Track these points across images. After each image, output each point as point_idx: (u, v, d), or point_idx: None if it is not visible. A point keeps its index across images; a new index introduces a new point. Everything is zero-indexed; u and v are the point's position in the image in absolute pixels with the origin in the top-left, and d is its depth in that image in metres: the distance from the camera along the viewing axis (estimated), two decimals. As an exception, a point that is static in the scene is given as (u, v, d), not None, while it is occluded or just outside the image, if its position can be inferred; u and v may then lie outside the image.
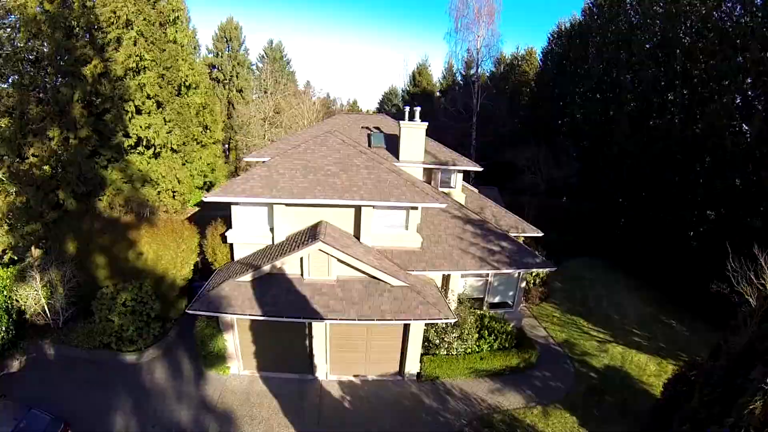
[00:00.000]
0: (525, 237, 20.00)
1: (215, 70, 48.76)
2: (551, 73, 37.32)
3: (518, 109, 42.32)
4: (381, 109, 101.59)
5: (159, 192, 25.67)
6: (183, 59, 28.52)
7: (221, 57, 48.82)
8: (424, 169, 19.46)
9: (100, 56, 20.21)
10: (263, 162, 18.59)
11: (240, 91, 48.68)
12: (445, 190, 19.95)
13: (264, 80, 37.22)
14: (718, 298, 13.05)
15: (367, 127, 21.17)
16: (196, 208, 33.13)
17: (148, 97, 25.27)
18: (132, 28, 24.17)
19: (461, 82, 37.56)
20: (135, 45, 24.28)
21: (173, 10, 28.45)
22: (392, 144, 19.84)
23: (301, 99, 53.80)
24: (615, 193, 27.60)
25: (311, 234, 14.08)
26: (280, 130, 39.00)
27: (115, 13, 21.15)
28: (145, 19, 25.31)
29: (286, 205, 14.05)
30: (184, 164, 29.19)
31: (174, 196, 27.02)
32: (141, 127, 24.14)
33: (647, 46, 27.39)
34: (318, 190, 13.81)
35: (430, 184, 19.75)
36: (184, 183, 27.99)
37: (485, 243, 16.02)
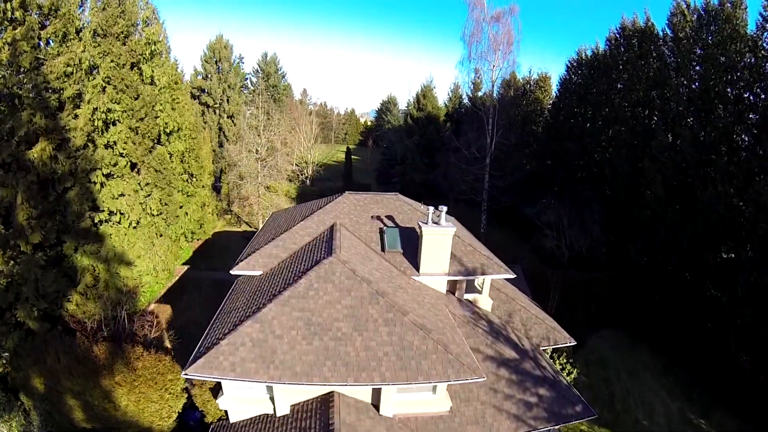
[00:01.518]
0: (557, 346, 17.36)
1: (204, 93, 45.32)
2: (570, 107, 34.14)
3: (531, 138, 39.26)
4: (379, 118, 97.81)
5: (140, 273, 22.70)
6: (163, 103, 25.28)
7: (210, 80, 45.34)
8: (449, 280, 16.55)
9: (53, 122, 16.96)
10: (256, 276, 15.65)
11: (231, 117, 45.34)
12: (471, 296, 17.10)
13: (257, 116, 33.81)
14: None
15: (378, 217, 18.11)
16: (185, 267, 30.20)
17: (121, 155, 22.21)
18: (96, 75, 20.92)
19: (472, 111, 34.14)
20: (102, 93, 21.10)
21: (149, 44, 25.20)
22: (409, 242, 16.84)
23: (297, 124, 50.57)
24: (643, 263, 24.61)
25: (321, 413, 11.16)
26: (276, 157, 35.80)
27: (72, 63, 17.83)
28: (113, 61, 22.07)
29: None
30: (168, 225, 26.10)
31: (156, 273, 24.05)
32: (113, 195, 21.10)
33: (685, 93, 24.16)
34: (327, 367, 10.81)
35: (454, 293, 16.85)
36: (166, 255, 25.00)
37: (521, 393, 13.23)
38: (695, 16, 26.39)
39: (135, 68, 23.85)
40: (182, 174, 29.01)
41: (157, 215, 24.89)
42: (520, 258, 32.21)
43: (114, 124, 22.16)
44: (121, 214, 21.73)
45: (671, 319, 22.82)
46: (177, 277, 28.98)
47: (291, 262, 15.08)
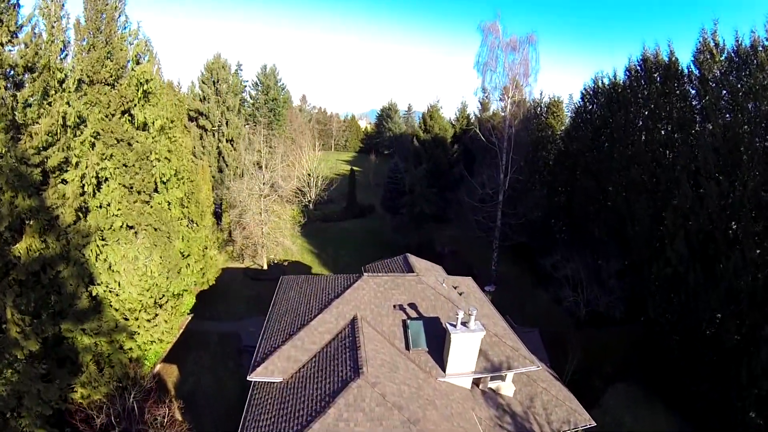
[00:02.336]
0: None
1: (202, 116, 43.70)
2: (585, 139, 32.87)
3: (541, 163, 38.08)
4: (380, 125, 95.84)
5: (144, 343, 21.65)
6: (158, 150, 23.87)
7: (208, 102, 43.69)
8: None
9: (37, 201, 15.72)
10: (275, 383, 14.56)
11: (231, 141, 43.80)
12: (494, 384, 16.24)
13: (258, 150, 32.45)
14: None
15: (400, 307, 17.00)
16: (188, 317, 29.10)
17: (116, 215, 20.97)
18: (83, 129, 19.55)
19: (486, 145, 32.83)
20: (92, 148, 19.78)
21: (142, 83, 23.72)
22: (434, 336, 15.88)
23: (297, 141, 49.14)
24: (662, 321, 23.64)
25: None
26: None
27: (56, 124, 16.56)
28: (101, 112, 20.68)
29: None
30: (170, 281, 24.92)
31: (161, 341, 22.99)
32: (110, 267, 19.93)
33: (711, 142, 22.96)
34: None
35: (478, 384, 15.94)
36: (171, 318, 23.92)
37: None
38: (723, 55, 25.22)
39: (126, 114, 22.45)
40: (181, 219, 27.76)
41: (159, 275, 23.69)
42: (534, 306, 31.38)
43: (106, 180, 20.90)
44: (120, 285, 20.54)
45: (689, 379, 21.92)
46: (181, 330, 27.93)
47: (314, 371, 14.06)
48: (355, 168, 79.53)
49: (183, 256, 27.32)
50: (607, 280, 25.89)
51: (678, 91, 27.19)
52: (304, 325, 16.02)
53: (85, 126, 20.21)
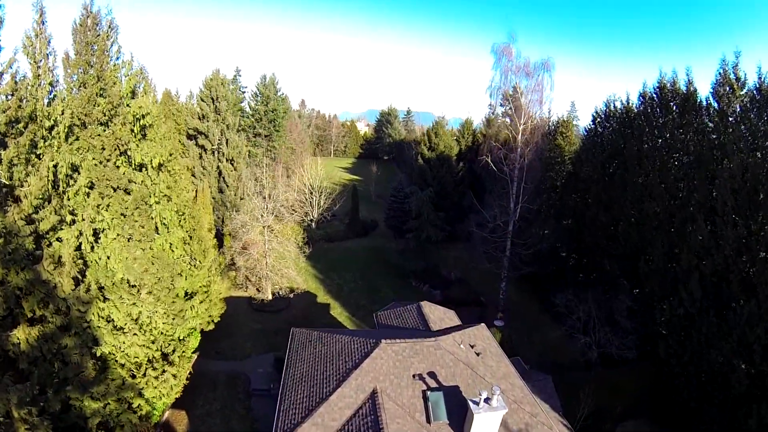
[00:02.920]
0: None
1: (201, 135, 42.68)
2: (596, 165, 32.19)
3: (549, 185, 37.52)
4: (379, 130, 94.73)
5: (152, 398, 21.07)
6: (158, 193, 23.09)
7: (207, 120, 42.67)
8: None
9: (32, 274, 15.03)
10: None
11: (231, 160, 42.88)
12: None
13: (261, 181, 31.67)
14: None
15: (420, 376, 16.47)
16: (194, 356, 28.46)
17: (115, 269, 20.22)
18: (77, 177, 18.73)
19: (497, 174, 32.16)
20: (86, 198, 19.00)
21: (138, 118, 22.83)
22: (455, 406, 15.48)
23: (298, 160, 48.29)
24: (672, 363, 23.32)
25: None
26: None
27: (47, 182, 15.85)
28: (95, 159, 19.79)
29: None
30: (175, 327, 24.30)
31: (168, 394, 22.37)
32: (114, 329, 19.30)
33: (729, 182, 22.43)
34: None
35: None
36: (180, 370, 23.32)
37: None
38: (744, 90, 24.60)
39: (122, 155, 21.61)
40: (184, 256, 27.05)
41: (163, 324, 23.06)
42: (544, 339, 31.01)
43: (103, 231, 20.15)
44: (126, 342, 19.92)
45: (698, 420, 21.68)
46: (188, 371, 27.30)
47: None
48: (355, 177, 79.21)
49: (187, 294, 26.71)
50: (620, 320, 25.50)
51: (695, 124, 26.58)
52: (323, 399, 15.53)
53: (79, 174, 19.37)
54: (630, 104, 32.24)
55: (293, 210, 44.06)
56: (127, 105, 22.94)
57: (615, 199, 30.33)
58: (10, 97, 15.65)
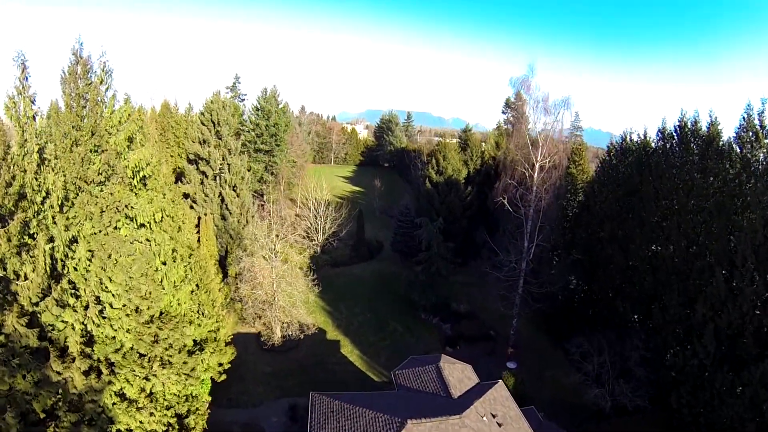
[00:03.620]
0: None
1: (202, 161, 41.80)
2: (612, 203, 31.80)
3: (561, 214, 37.17)
4: (380, 137, 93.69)
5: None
6: (164, 253, 22.60)
7: (208, 146, 41.75)
8: None
9: (41, 374, 14.63)
10: None
11: (233, 187, 42.09)
12: None
13: (269, 237, 31.07)
14: None
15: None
16: (208, 411, 28.12)
17: (123, 342, 19.80)
18: (75, 248, 18.13)
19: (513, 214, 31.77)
20: (87, 270, 18.43)
21: (138, 170, 22.20)
22: None
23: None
24: (686, 412, 23.26)
25: None
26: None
27: (45, 273, 15.39)
28: (94, 227, 19.11)
29: None
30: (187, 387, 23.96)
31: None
32: (129, 405, 18.91)
33: (750, 237, 22.15)
34: None
35: None
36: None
37: None
38: None
39: (123, 214, 21.01)
40: (192, 306, 26.61)
41: (175, 384, 22.69)
42: (557, 382, 30.92)
43: (110, 308, 19.61)
44: (141, 414, 19.55)
45: None
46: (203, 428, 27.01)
47: None
48: (357, 189, 78.36)
49: (196, 342, 26.33)
50: (633, 369, 25.46)
51: (717, 169, 26.17)
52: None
53: (77, 243, 18.68)
54: (647, 138, 31.84)
55: (299, 236, 43.74)
56: (125, 158, 22.27)
57: (631, 239, 30.06)
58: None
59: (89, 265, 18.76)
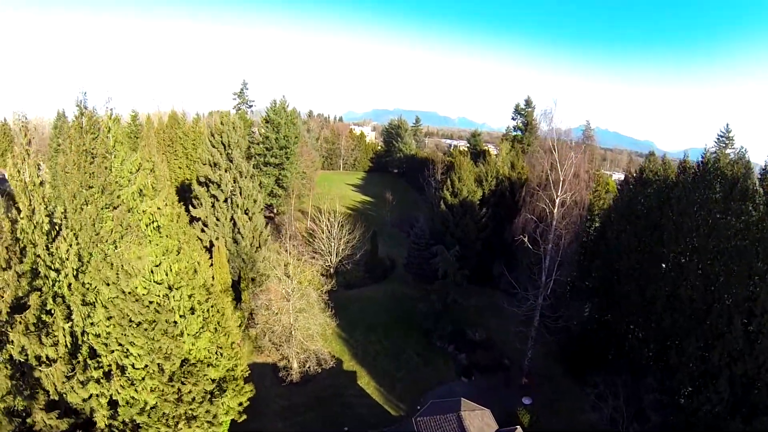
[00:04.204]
0: None
1: (213, 185, 42.00)
2: (631, 237, 31.69)
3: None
4: (389, 143, 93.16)
5: None
6: (182, 307, 22.92)
7: (219, 169, 41.91)
8: None
9: None
10: None
11: (246, 211, 42.34)
12: None
13: (287, 264, 31.34)
14: None
15: None
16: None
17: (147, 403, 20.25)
18: (93, 312, 18.27)
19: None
20: (108, 335, 18.71)
21: (149, 224, 22.26)
22: None
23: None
24: None
25: None
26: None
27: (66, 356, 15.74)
28: (111, 291, 19.17)
29: None
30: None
31: None
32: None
33: None
34: None
35: None
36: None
37: None
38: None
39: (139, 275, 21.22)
40: (211, 349, 27.07)
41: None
42: (574, 419, 31.16)
43: (132, 366, 19.99)
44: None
45: None
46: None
47: None
48: (367, 199, 78.36)
49: (213, 381, 26.82)
50: (650, 414, 25.72)
51: (740, 211, 26.05)
52: None
53: (94, 309, 18.83)
54: (669, 170, 31.67)
55: (312, 259, 44.16)
56: (138, 212, 22.31)
57: (648, 275, 30.08)
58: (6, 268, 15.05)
59: (109, 332, 19.09)
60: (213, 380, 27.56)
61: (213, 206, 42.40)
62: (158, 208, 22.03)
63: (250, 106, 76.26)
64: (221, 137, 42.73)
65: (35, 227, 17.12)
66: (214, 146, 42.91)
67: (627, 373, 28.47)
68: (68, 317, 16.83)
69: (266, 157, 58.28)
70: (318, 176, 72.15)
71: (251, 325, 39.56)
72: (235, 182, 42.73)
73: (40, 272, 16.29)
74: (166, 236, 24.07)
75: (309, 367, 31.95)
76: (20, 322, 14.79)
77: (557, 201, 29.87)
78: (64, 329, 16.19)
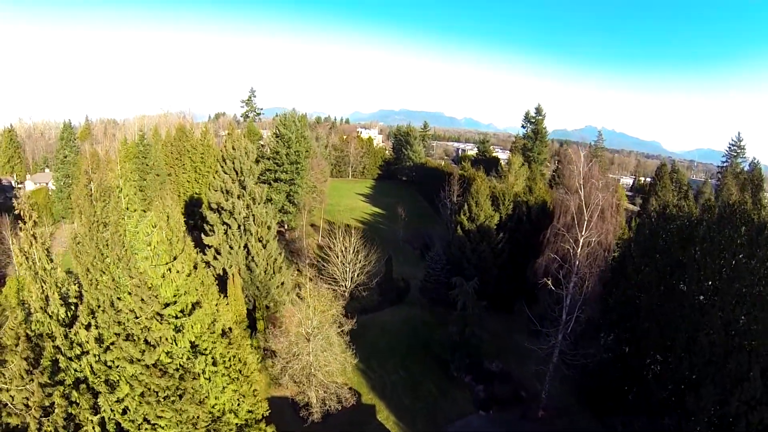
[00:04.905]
0: None
1: (225, 212, 42.20)
2: (653, 275, 31.67)
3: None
4: (398, 151, 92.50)
5: None
6: (207, 371, 23.29)
7: (231, 196, 42.00)
8: None
9: None
10: None
11: (260, 239, 42.55)
12: None
13: (308, 304, 31.66)
14: None
15: None
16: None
17: None
18: (118, 390, 18.52)
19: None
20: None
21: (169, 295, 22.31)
22: None
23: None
24: None
25: None
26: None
27: None
28: (134, 366, 19.26)
29: None
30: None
31: None
32: None
33: None
34: None
35: None
36: None
37: None
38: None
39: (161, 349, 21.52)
40: (233, 397, 27.57)
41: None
42: None
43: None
44: None
45: None
46: None
47: None
48: (377, 211, 78.26)
49: (237, 427, 27.34)
50: None
51: (766, 258, 25.98)
52: None
53: (118, 386, 19.03)
54: (692, 206, 31.58)
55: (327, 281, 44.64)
56: (159, 275, 22.39)
57: (670, 316, 30.16)
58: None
59: (137, 409, 19.40)
60: (237, 425, 28.17)
61: (226, 233, 42.66)
62: (177, 272, 22.23)
63: (258, 114, 76.14)
64: (233, 163, 42.81)
65: (51, 318, 17.05)
66: (226, 172, 43.02)
67: (644, 414, 28.73)
68: (94, 407, 17.03)
69: (276, 173, 58.38)
70: (328, 186, 72.14)
71: (267, 356, 40.12)
72: (248, 208, 42.91)
73: (60, 365, 16.44)
74: (185, 293, 24.28)
75: (330, 406, 32.45)
76: (49, 428, 15.12)
77: (581, 241, 29.93)
78: (92, 421, 16.47)
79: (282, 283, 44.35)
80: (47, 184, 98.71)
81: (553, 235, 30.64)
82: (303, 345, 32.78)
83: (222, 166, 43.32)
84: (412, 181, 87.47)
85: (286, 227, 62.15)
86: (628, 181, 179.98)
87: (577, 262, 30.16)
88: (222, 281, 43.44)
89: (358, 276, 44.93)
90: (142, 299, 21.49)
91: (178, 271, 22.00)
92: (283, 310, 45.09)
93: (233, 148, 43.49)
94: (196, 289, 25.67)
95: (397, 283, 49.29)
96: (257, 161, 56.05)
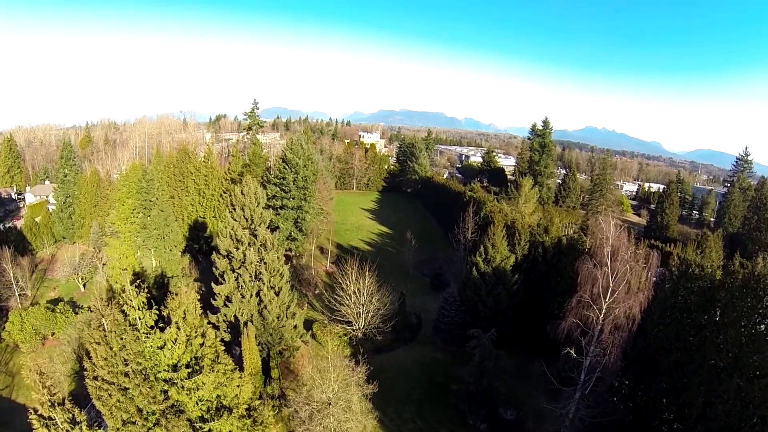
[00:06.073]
0: None
1: (234, 259, 42.30)
2: (671, 337, 32.19)
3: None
4: (403, 163, 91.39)
5: None
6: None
7: (241, 245, 41.98)
8: None
9: None
10: None
11: (273, 288, 42.78)
12: None
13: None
14: None
15: None
16: None
17: None
18: None
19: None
20: None
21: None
22: None
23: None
24: None
25: None
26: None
27: None
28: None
29: None
30: None
31: None
32: None
33: None
34: None
35: None
36: None
37: None
38: None
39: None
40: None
41: None
42: None
43: None
44: None
45: None
46: None
47: None
48: (384, 230, 78.02)
49: None
50: None
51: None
52: None
53: None
54: (713, 267, 31.89)
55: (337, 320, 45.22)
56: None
57: (686, 380, 30.71)
58: None
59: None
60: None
61: (236, 280, 42.88)
62: (203, 383, 22.63)
63: (261, 126, 75.42)
64: (243, 211, 42.71)
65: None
66: (235, 219, 42.96)
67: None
68: None
69: (283, 200, 58.19)
70: (334, 202, 72.10)
71: (284, 405, 40.89)
72: (259, 254, 42.97)
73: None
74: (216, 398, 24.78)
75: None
76: None
77: (604, 308, 30.32)
78: None
79: (295, 327, 44.95)
80: (47, 197, 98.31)
81: (577, 301, 31.02)
82: (324, 410, 33.56)
83: (231, 213, 43.26)
84: (417, 194, 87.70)
85: (293, 253, 62.37)
86: (631, 188, 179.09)
87: (599, 330, 30.63)
88: (233, 327, 44.09)
89: (372, 317, 45.49)
90: (166, 411, 22.06)
91: (203, 383, 22.48)
92: (297, 354, 45.83)
93: (242, 194, 43.34)
94: (223, 389, 26.15)
95: (409, 319, 49.90)
96: (263, 185, 56.01)
